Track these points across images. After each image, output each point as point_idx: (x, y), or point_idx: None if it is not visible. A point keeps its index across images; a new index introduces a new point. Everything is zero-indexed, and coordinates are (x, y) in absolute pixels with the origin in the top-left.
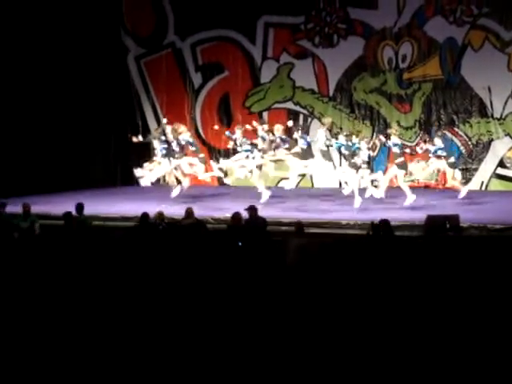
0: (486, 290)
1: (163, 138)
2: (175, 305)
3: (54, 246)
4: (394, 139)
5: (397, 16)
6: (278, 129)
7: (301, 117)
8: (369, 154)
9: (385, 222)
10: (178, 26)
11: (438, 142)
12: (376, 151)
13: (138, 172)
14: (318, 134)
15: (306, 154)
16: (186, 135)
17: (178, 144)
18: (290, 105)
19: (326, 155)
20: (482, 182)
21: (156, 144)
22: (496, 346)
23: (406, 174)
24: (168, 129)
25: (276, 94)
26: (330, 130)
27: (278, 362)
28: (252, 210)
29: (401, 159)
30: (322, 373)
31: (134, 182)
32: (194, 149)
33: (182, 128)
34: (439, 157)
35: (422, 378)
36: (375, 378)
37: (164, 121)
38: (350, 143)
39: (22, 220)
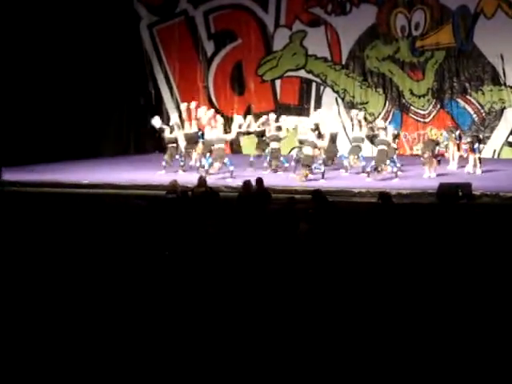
0: (498, 257)
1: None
2: (184, 270)
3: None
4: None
5: None
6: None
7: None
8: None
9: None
10: None
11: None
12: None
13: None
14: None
15: None
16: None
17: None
18: (302, 73)
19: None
20: (494, 150)
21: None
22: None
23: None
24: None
25: (289, 62)
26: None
27: (291, 327)
28: (258, 182)
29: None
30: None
31: (146, 150)
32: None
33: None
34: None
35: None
36: (389, 349)
37: None
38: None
39: None
